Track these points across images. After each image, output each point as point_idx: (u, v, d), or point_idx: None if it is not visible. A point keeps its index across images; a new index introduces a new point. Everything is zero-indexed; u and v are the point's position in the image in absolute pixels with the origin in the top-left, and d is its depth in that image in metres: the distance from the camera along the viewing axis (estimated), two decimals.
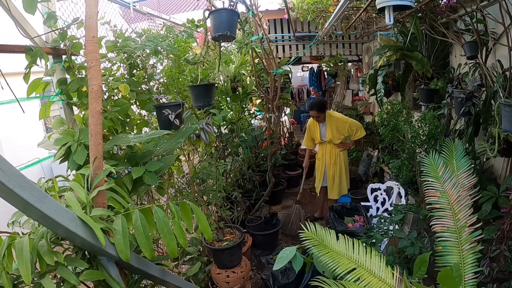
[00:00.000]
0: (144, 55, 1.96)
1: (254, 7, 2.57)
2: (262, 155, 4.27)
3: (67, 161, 1.41)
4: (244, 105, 3.47)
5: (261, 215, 3.51)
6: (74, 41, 1.56)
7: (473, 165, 1.79)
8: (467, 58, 2.25)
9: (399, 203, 2.73)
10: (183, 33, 2.55)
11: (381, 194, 3.22)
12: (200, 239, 2.48)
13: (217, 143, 3.14)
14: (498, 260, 1.52)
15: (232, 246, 2.42)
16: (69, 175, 1.37)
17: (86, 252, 1.17)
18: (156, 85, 2.44)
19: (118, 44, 1.88)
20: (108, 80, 1.79)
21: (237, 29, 2.04)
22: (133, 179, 1.39)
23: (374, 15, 3.73)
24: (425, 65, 2.73)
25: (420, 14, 2.63)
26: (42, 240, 1.05)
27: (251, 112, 3.84)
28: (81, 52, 1.60)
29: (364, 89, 5.37)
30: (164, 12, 4.60)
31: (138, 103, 1.98)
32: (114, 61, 1.91)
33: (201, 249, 2.54)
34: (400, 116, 2.64)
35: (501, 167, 2.17)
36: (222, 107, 3.21)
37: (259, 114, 4.17)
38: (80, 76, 1.60)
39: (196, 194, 2.45)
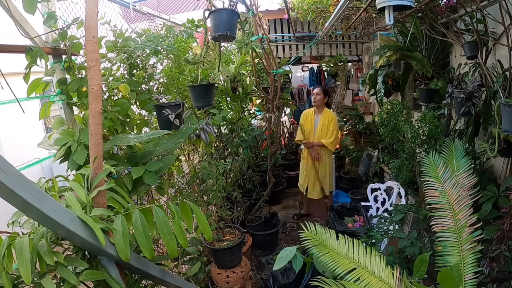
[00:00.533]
0: (144, 55, 1.96)
1: (254, 7, 2.57)
2: (262, 155, 4.27)
3: (67, 161, 1.41)
4: (244, 105, 3.47)
5: (261, 215, 3.51)
6: (74, 41, 1.56)
7: (473, 165, 1.79)
8: (467, 58, 2.25)
9: (399, 203, 2.73)
10: (183, 33, 2.55)
11: (381, 194, 3.22)
12: (200, 239, 2.48)
13: (217, 143, 3.14)
14: (498, 260, 1.52)
15: (232, 246, 2.42)
16: (69, 175, 1.37)
17: (86, 252, 1.17)
18: (156, 85, 2.44)
19: (118, 44, 1.88)
20: (108, 80, 1.79)
21: (237, 29, 2.04)
22: (133, 179, 1.39)
23: (374, 15, 3.73)
24: (425, 65, 2.73)
25: (420, 14, 2.63)
26: (42, 240, 1.05)
27: (251, 112, 3.84)
28: (81, 52, 1.60)
29: (364, 89, 5.37)
30: (164, 12, 4.60)
31: (138, 103, 1.98)
32: (114, 61, 1.91)
33: (201, 249, 2.54)
34: (400, 116, 2.64)
35: (501, 167, 2.17)
36: (222, 107, 3.22)
37: (259, 114, 4.18)
38: (80, 76, 1.60)
39: (196, 194, 2.45)
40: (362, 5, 3.08)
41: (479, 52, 2.16)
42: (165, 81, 2.52)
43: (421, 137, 2.45)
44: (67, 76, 1.60)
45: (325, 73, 8.77)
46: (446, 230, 1.49)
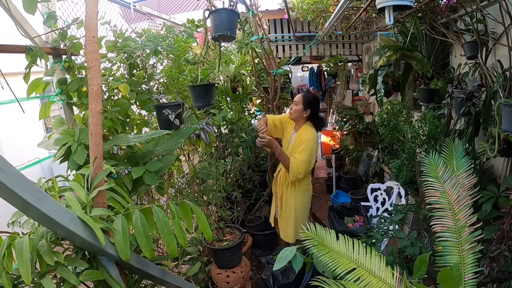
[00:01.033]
0: (144, 55, 1.96)
1: (254, 7, 2.58)
2: (262, 155, 4.27)
3: (67, 161, 1.41)
4: (244, 105, 3.47)
5: (261, 215, 3.51)
6: (74, 41, 1.56)
7: (473, 165, 1.79)
8: (467, 58, 2.25)
9: (399, 203, 2.74)
10: (183, 33, 2.55)
11: (381, 194, 3.23)
12: (200, 239, 2.47)
13: (217, 143, 3.14)
14: (498, 260, 1.52)
15: (232, 246, 2.42)
16: (69, 175, 1.37)
17: (86, 252, 1.17)
18: (156, 85, 2.44)
19: (118, 44, 1.88)
20: (108, 80, 1.79)
21: (237, 29, 2.04)
22: (133, 179, 1.39)
23: (374, 15, 3.73)
24: (425, 65, 2.73)
25: (420, 14, 2.63)
26: (42, 240, 1.05)
27: (251, 112, 3.84)
28: (81, 52, 1.60)
29: (364, 89, 5.37)
30: (164, 12, 4.60)
31: (138, 103, 1.98)
32: (114, 61, 1.91)
33: (201, 249, 2.54)
34: (400, 116, 2.64)
35: (501, 167, 2.17)
36: (222, 107, 3.22)
37: (259, 114, 4.17)
38: (80, 76, 1.60)
39: (196, 194, 2.45)
40: (362, 5, 3.08)
41: (479, 52, 2.16)
42: (165, 81, 2.52)
43: (421, 137, 2.46)
44: (67, 76, 1.60)
45: (325, 73, 8.77)
46: (446, 230, 1.49)
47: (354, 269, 1.34)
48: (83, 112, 1.65)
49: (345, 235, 1.50)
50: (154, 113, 1.99)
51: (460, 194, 1.58)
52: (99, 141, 1.17)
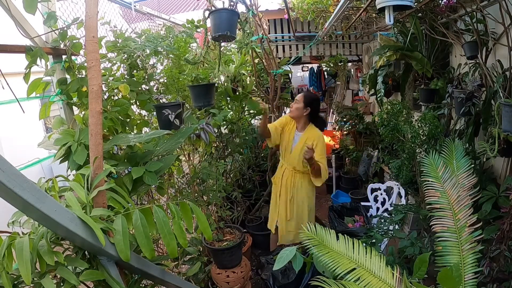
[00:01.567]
0: (144, 55, 1.96)
1: (254, 7, 2.58)
2: (262, 155, 4.26)
3: (67, 161, 1.41)
4: (244, 105, 3.47)
5: (261, 215, 3.50)
6: (74, 41, 1.56)
7: (473, 165, 1.79)
8: (467, 58, 2.25)
9: (399, 203, 2.74)
10: (182, 33, 2.55)
11: (381, 194, 3.23)
12: (200, 239, 2.47)
13: (217, 143, 3.13)
14: (498, 260, 1.52)
15: (232, 246, 2.41)
16: (69, 175, 1.37)
17: (86, 252, 1.17)
18: (156, 85, 2.44)
19: (118, 44, 1.88)
20: (108, 80, 1.79)
21: (237, 29, 2.04)
22: (133, 179, 1.39)
23: (374, 15, 3.73)
24: (425, 65, 2.73)
25: (420, 14, 2.63)
26: (42, 240, 1.05)
27: (251, 112, 3.83)
28: (81, 52, 1.60)
29: (364, 89, 5.37)
30: (164, 12, 4.60)
31: (138, 103, 1.98)
32: (114, 61, 1.91)
33: (201, 249, 2.54)
34: (400, 116, 2.64)
35: (501, 167, 2.17)
36: (222, 107, 3.21)
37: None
38: (80, 76, 1.60)
39: (196, 194, 2.45)
40: (362, 5, 3.08)
41: (479, 52, 2.16)
42: (165, 81, 2.52)
43: (421, 137, 2.46)
44: (67, 76, 1.60)
45: (325, 73, 8.77)
46: (446, 230, 1.49)
47: (354, 269, 1.34)
48: (83, 112, 1.65)
49: (345, 235, 1.50)
50: (154, 113, 1.99)
51: (460, 194, 1.58)
52: (99, 141, 1.17)
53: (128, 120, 1.78)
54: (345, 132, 5.06)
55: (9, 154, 2.68)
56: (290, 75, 4.34)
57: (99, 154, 1.17)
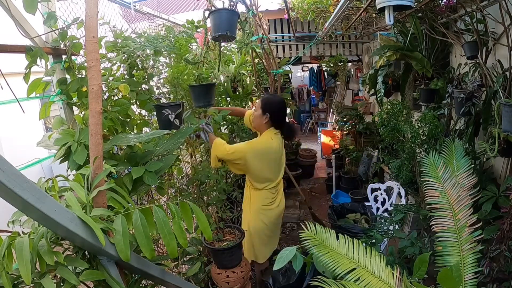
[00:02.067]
0: (144, 55, 1.96)
1: (254, 7, 2.58)
2: None
3: (67, 161, 1.41)
4: (244, 105, 3.47)
5: None
6: (74, 41, 1.56)
7: (473, 165, 1.79)
8: (467, 58, 2.25)
9: (399, 203, 2.74)
10: (183, 33, 2.55)
11: (381, 194, 3.23)
12: (200, 239, 2.47)
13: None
14: (498, 260, 1.52)
15: (232, 246, 2.41)
16: (69, 175, 1.37)
17: (86, 252, 1.17)
18: (157, 85, 2.43)
19: (118, 44, 1.88)
20: (108, 80, 1.79)
21: (237, 29, 2.04)
22: (133, 179, 1.39)
23: (374, 15, 3.73)
24: (425, 65, 2.73)
25: (420, 14, 2.63)
26: (42, 240, 1.04)
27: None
28: (81, 52, 1.60)
29: (364, 89, 5.37)
30: (164, 12, 4.59)
31: (138, 103, 1.98)
32: (114, 61, 1.91)
33: (201, 249, 2.54)
34: (400, 116, 2.64)
35: (501, 167, 2.17)
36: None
37: None
38: (80, 76, 1.60)
39: (196, 195, 2.45)
40: (362, 5, 3.08)
41: (479, 52, 2.16)
42: (166, 76, 2.50)
43: (421, 137, 2.46)
44: (67, 76, 1.60)
45: (325, 73, 8.78)
46: (446, 230, 1.49)
47: (354, 269, 1.34)
48: (83, 112, 1.65)
49: (345, 234, 1.50)
50: (154, 113, 1.99)
51: (460, 194, 1.58)
52: (99, 141, 1.17)
53: (128, 120, 1.78)
54: (345, 132, 5.06)
55: (9, 154, 2.68)
56: (290, 75, 4.34)
57: (99, 154, 1.17)
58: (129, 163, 1.49)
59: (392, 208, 2.53)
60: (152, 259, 1.34)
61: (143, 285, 1.56)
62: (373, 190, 3.30)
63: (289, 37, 4.84)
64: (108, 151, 1.47)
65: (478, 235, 1.42)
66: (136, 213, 1.13)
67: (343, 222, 2.87)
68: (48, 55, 1.51)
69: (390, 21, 1.58)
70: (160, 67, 2.41)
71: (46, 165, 5.43)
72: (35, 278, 1.04)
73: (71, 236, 1.04)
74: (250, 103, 3.66)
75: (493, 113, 1.97)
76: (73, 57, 1.60)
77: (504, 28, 1.90)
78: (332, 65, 5.62)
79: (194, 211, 1.22)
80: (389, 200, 3.15)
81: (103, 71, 1.82)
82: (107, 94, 1.76)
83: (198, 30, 2.59)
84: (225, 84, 3.21)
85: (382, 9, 1.59)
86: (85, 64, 1.40)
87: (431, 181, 1.69)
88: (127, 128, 1.73)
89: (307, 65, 8.84)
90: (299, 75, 10.35)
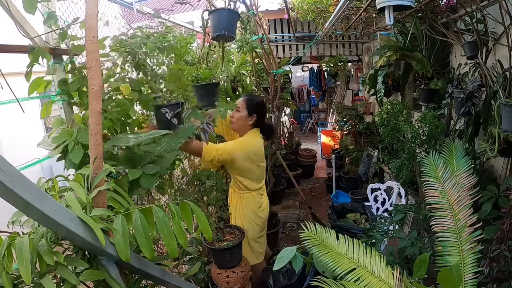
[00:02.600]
0: (143, 54, 1.95)
1: (254, 7, 2.58)
2: None
3: (64, 160, 1.41)
4: None
5: None
6: (75, 41, 1.56)
7: (473, 165, 1.79)
8: (467, 58, 2.25)
9: (399, 203, 2.74)
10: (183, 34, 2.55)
11: (381, 194, 3.23)
12: (200, 239, 2.47)
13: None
14: (498, 260, 1.52)
15: (232, 246, 2.41)
16: (69, 175, 1.37)
17: (86, 252, 1.17)
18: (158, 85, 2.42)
19: (119, 44, 1.87)
20: (110, 80, 1.78)
21: (237, 29, 2.04)
22: (129, 181, 1.39)
23: (374, 15, 3.73)
24: (425, 65, 2.73)
25: (420, 14, 2.63)
26: (42, 240, 1.04)
27: None
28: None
29: (364, 89, 5.37)
30: (164, 12, 4.59)
31: (140, 103, 1.97)
32: (117, 61, 1.90)
33: (201, 249, 2.54)
34: (400, 116, 2.64)
35: (501, 167, 2.17)
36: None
37: None
38: (80, 76, 1.60)
39: (196, 195, 2.45)
40: (362, 5, 3.08)
41: (479, 52, 2.16)
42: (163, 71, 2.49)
43: (421, 137, 2.46)
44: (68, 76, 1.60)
45: (325, 73, 8.78)
46: (446, 230, 1.49)
47: (354, 269, 1.34)
48: (83, 112, 1.65)
49: (345, 234, 1.50)
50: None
51: (460, 194, 1.58)
52: (99, 141, 1.17)
53: (129, 120, 1.77)
54: (345, 132, 5.06)
55: (9, 154, 2.68)
56: (290, 75, 4.34)
57: (99, 154, 1.17)
58: (127, 164, 1.49)
59: (392, 208, 2.53)
60: (152, 259, 1.34)
61: (143, 285, 1.56)
62: (373, 190, 3.30)
63: (289, 37, 4.85)
64: (107, 152, 1.47)
65: (478, 235, 1.42)
66: (136, 213, 1.13)
67: (343, 222, 2.87)
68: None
69: (390, 21, 1.58)
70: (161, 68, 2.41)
71: (46, 165, 5.42)
72: (35, 278, 1.04)
73: (71, 236, 1.04)
74: None
75: (493, 113, 1.97)
76: (73, 57, 1.60)
77: (504, 28, 1.90)
78: (332, 65, 5.63)
79: (194, 211, 1.22)
80: (389, 200, 3.15)
81: (105, 71, 1.82)
82: (110, 93, 1.75)
83: (199, 31, 2.59)
84: (225, 84, 3.21)
85: (382, 9, 1.59)
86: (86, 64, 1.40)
87: (431, 181, 1.69)
88: (128, 128, 1.73)
89: (307, 65, 8.85)
90: (299, 75, 10.35)
